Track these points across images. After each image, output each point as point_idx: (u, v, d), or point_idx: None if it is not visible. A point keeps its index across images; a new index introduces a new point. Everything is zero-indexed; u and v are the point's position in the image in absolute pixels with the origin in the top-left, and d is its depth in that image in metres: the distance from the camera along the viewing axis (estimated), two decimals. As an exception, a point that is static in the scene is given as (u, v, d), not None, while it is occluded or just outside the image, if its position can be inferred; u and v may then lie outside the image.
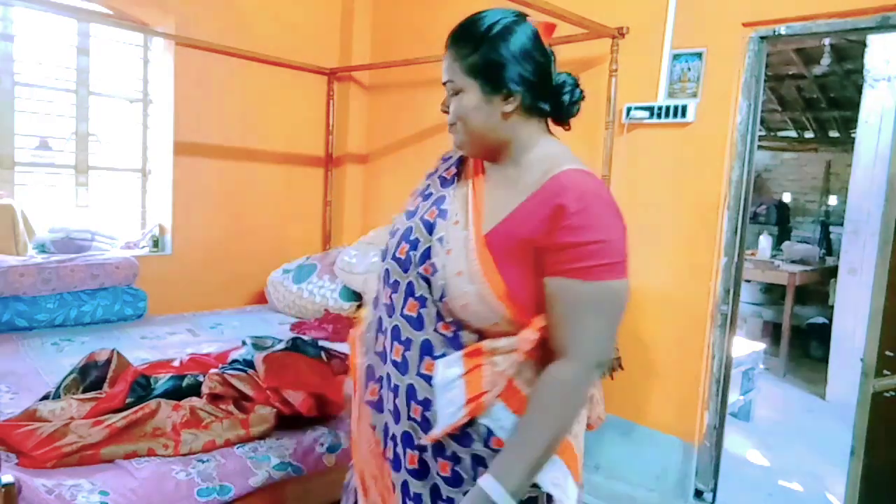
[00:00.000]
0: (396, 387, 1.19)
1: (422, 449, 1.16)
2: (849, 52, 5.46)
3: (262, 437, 1.84)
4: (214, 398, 1.90)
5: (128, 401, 1.81)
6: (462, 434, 1.11)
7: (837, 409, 4.05)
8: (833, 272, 4.70)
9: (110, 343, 2.57)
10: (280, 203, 3.99)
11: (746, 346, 3.77)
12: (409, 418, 1.17)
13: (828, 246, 6.67)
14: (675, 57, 2.70)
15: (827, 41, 4.93)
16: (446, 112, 1.19)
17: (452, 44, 1.17)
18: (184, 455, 1.70)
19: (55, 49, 3.29)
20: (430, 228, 1.18)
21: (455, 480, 1.14)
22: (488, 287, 1.07)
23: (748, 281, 5.34)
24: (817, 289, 5.87)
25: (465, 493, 1.10)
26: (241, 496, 1.69)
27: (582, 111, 1.28)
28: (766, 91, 6.65)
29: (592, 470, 2.96)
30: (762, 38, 2.51)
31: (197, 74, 3.51)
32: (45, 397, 1.87)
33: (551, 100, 1.19)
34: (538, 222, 1.07)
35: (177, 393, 1.91)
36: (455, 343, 1.13)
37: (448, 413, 1.10)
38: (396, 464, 1.19)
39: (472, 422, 1.10)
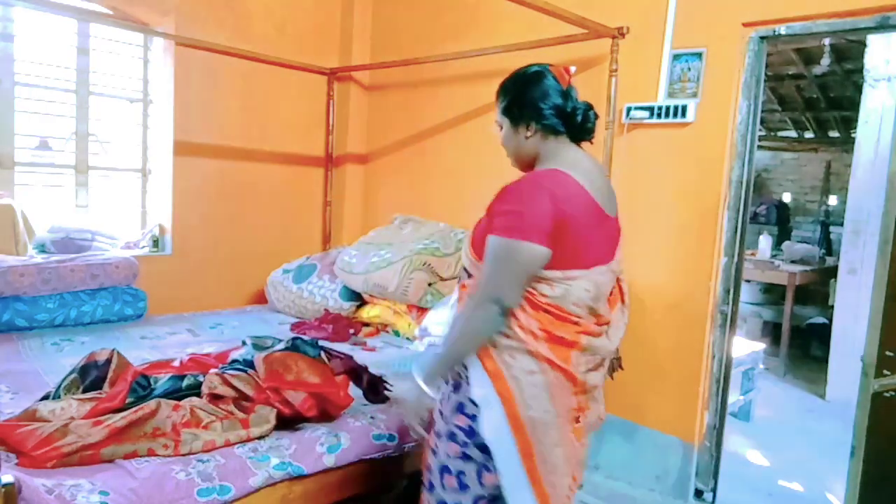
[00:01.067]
0: None
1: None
2: (849, 52, 5.46)
3: (262, 437, 1.84)
4: (214, 398, 1.90)
5: (128, 401, 1.81)
6: None
7: (837, 409, 4.05)
8: (833, 272, 4.70)
9: (110, 343, 2.57)
10: (280, 203, 3.99)
11: (746, 346, 3.77)
12: None
13: (828, 246, 6.67)
14: (675, 57, 2.70)
15: (827, 41, 4.93)
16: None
17: (496, 93, 1.69)
18: (184, 455, 1.69)
19: (55, 49, 3.29)
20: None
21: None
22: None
23: (748, 281, 5.34)
24: (817, 289, 5.87)
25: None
26: (241, 496, 1.68)
27: None
28: (766, 91, 6.64)
29: (592, 470, 2.96)
30: (762, 38, 2.51)
31: (197, 74, 3.51)
32: (45, 397, 1.87)
33: (566, 123, 1.59)
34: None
35: (177, 393, 1.91)
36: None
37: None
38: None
39: None
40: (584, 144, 1.65)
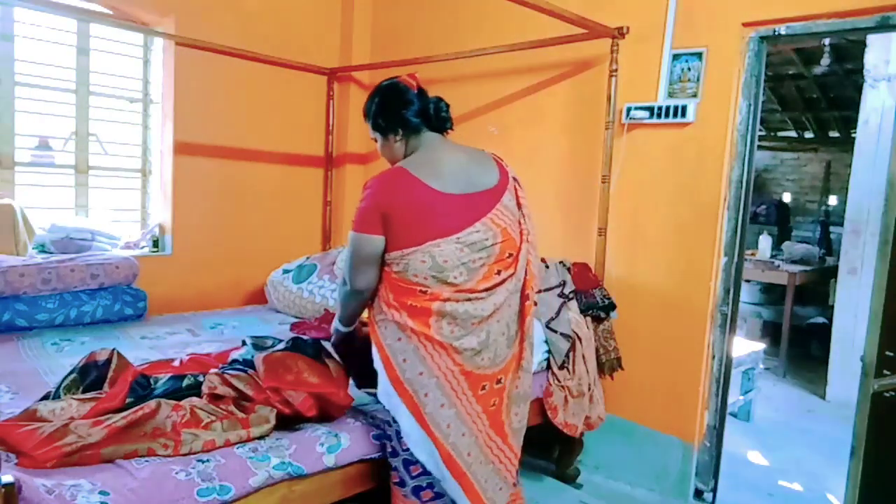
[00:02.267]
0: None
1: None
2: (849, 52, 5.46)
3: (262, 437, 1.84)
4: (214, 398, 1.90)
5: (128, 401, 1.81)
6: None
7: (837, 409, 4.05)
8: (833, 272, 4.70)
9: (110, 343, 2.56)
10: (280, 203, 3.99)
11: (746, 346, 3.77)
12: None
13: (828, 246, 6.66)
14: (675, 57, 2.70)
15: (827, 41, 4.93)
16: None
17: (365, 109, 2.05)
18: (184, 455, 1.69)
19: (55, 49, 3.29)
20: None
21: None
22: None
23: (748, 281, 5.34)
24: (817, 289, 5.87)
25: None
26: (241, 496, 1.68)
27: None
28: (766, 91, 6.64)
29: (592, 470, 2.96)
30: (762, 38, 2.51)
31: (197, 74, 3.51)
32: (45, 397, 1.87)
33: (425, 120, 1.90)
34: None
35: (177, 393, 1.91)
36: None
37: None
38: None
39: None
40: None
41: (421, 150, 1.87)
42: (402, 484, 1.84)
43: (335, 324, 2.04)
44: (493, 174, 1.87)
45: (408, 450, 1.79)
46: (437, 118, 1.91)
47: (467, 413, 1.77)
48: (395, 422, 1.81)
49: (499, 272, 1.80)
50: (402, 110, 1.88)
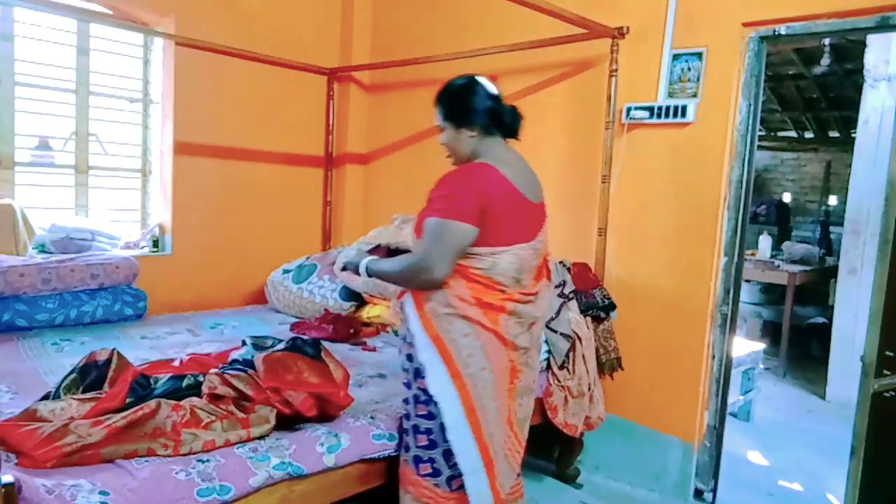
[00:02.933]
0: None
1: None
2: (849, 52, 5.46)
3: (262, 437, 1.84)
4: (214, 398, 1.90)
5: (128, 401, 1.80)
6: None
7: (837, 409, 4.05)
8: (833, 272, 4.70)
9: (110, 343, 2.56)
10: (280, 203, 3.99)
11: (746, 346, 3.77)
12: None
13: (828, 246, 6.66)
14: (675, 57, 2.70)
15: (827, 41, 4.93)
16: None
17: (437, 99, 1.96)
18: (184, 455, 1.69)
19: (55, 49, 3.29)
20: None
21: (407, 386, 1.93)
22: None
23: (748, 281, 5.34)
24: (817, 289, 5.87)
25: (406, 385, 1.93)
26: (241, 496, 1.68)
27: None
28: (766, 91, 6.65)
29: (592, 470, 2.96)
30: (762, 38, 2.51)
31: (197, 74, 3.51)
32: (45, 397, 1.87)
33: (498, 124, 1.89)
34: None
35: (177, 393, 1.91)
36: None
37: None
38: None
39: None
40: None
41: (494, 152, 1.86)
42: (435, 474, 1.86)
43: (371, 264, 1.94)
44: (540, 185, 1.97)
45: (447, 441, 1.80)
46: (511, 125, 1.92)
47: (502, 406, 1.86)
48: (437, 416, 1.81)
49: (541, 277, 1.95)
50: (485, 107, 1.86)
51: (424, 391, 1.81)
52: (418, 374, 1.83)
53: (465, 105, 1.87)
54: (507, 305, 1.80)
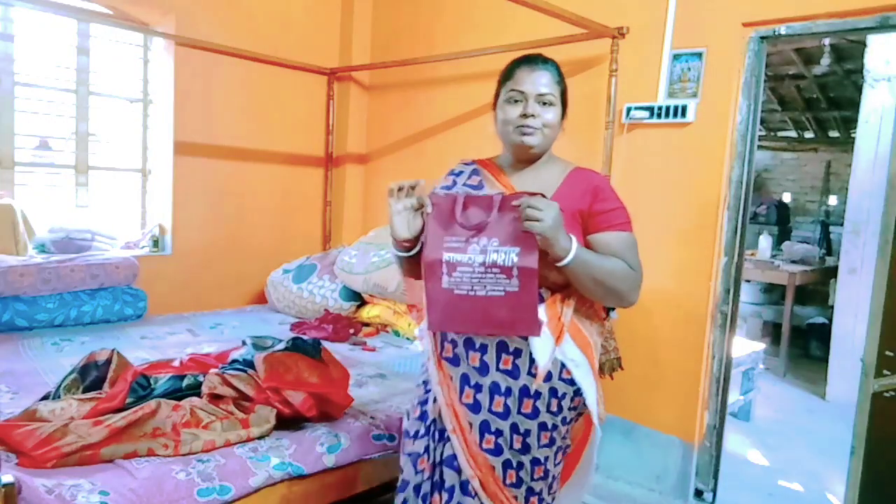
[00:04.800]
0: (485, 345, 1.48)
1: (507, 394, 1.48)
2: (849, 52, 5.46)
3: (262, 437, 1.84)
4: (214, 398, 1.90)
5: (128, 401, 1.81)
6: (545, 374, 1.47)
7: (837, 409, 4.05)
8: (833, 272, 4.70)
9: (110, 343, 2.57)
10: (280, 203, 3.99)
11: (746, 346, 3.76)
12: (499, 370, 1.48)
13: (828, 246, 6.66)
14: (675, 57, 2.70)
15: (827, 41, 4.93)
16: (527, 116, 1.51)
17: (554, 68, 1.57)
18: (184, 455, 1.70)
19: (55, 49, 3.29)
20: None
21: (534, 413, 1.48)
22: None
23: (748, 281, 5.34)
24: (817, 289, 5.87)
25: (540, 424, 1.48)
26: (241, 496, 1.68)
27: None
28: (766, 91, 6.65)
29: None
30: (762, 38, 2.51)
31: (197, 74, 3.51)
32: (45, 397, 1.87)
33: None
34: (579, 198, 1.50)
35: (177, 393, 1.91)
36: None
37: (545, 353, 1.45)
38: (476, 407, 1.50)
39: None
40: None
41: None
42: (546, 476, 1.56)
43: (583, 251, 1.43)
44: None
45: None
46: None
47: None
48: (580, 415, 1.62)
49: None
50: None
51: (562, 408, 1.53)
52: (555, 394, 1.51)
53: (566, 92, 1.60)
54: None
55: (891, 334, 1.93)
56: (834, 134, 7.69)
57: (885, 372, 1.95)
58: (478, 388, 1.49)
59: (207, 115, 3.60)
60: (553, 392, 1.49)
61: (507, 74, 1.57)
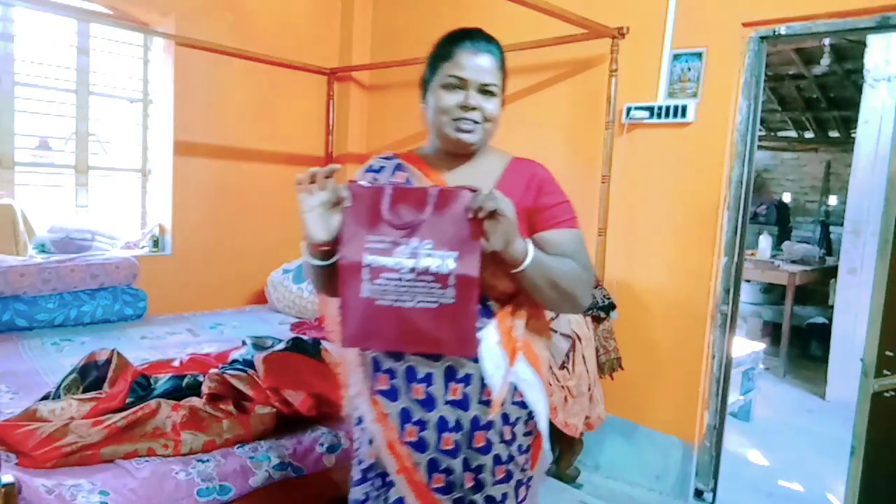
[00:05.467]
0: (430, 374, 1.25)
1: (457, 429, 1.26)
2: (849, 52, 5.46)
3: (262, 437, 1.84)
4: (214, 398, 1.90)
5: (128, 401, 1.81)
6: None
7: (837, 409, 4.05)
8: (833, 272, 4.70)
9: (110, 343, 2.57)
10: (280, 203, 3.98)
11: (746, 346, 3.77)
12: (448, 402, 1.25)
13: (828, 246, 6.66)
14: (675, 57, 2.70)
15: (827, 41, 4.93)
16: (468, 109, 1.28)
17: (498, 52, 1.34)
18: (184, 455, 1.70)
19: (55, 49, 3.29)
20: None
21: (487, 447, 1.27)
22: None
23: (748, 281, 5.34)
24: (817, 289, 5.87)
25: (494, 457, 1.27)
26: (241, 496, 1.69)
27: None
28: (766, 91, 6.65)
29: (592, 470, 2.96)
30: (762, 38, 2.51)
31: (197, 74, 3.51)
32: (45, 397, 1.87)
33: None
34: (523, 193, 1.30)
35: (177, 393, 1.91)
36: (485, 313, 1.27)
37: (499, 377, 1.25)
38: (422, 446, 1.27)
39: None
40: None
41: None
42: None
43: (540, 254, 1.23)
44: None
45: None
46: None
47: None
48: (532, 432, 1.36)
49: None
50: None
51: (521, 438, 1.33)
52: (506, 420, 1.31)
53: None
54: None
55: (891, 334, 1.93)
56: (834, 134, 7.69)
57: (885, 372, 1.95)
58: (422, 425, 1.26)
59: (207, 115, 3.60)
60: (505, 419, 1.29)
61: (444, 54, 1.32)
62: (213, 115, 3.62)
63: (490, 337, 1.25)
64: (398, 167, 1.39)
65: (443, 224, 1.15)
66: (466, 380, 1.26)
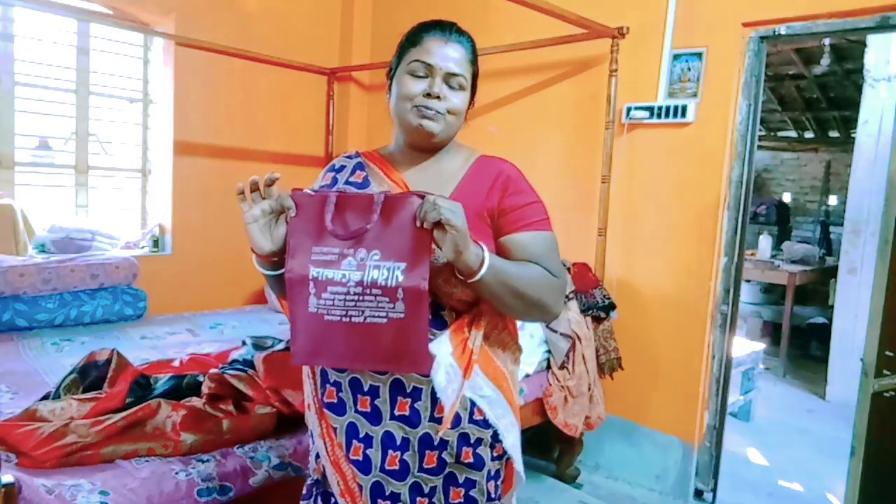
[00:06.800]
0: (376, 387, 1.18)
1: (404, 447, 1.19)
2: (849, 52, 5.46)
3: (262, 437, 1.84)
4: (214, 398, 1.90)
5: (128, 401, 1.81)
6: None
7: (837, 409, 4.05)
8: (833, 272, 4.70)
9: (110, 343, 2.57)
10: (280, 203, 3.98)
11: (746, 346, 3.77)
12: (394, 417, 1.18)
13: (828, 246, 6.66)
14: (675, 57, 2.70)
15: (827, 41, 4.93)
16: (432, 97, 1.21)
17: (469, 45, 1.29)
18: (184, 455, 1.69)
19: (55, 49, 3.29)
20: None
21: (439, 468, 1.19)
22: None
23: (748, 281, 5.34)
24: (817, 289, 5.87)
25: (445, 477, 1.19)
26: (241, 496, 1.68)
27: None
28: (766, 91, 6.65)
29: (592, 470, 2.96)
30: (762, 38, 2.51)
31: (197, 74, 3.51)
32: (45, 397, 1.87)
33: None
34: (486, 193, 1.21)
35: (177, 393, 1.91)
36: (439, 324, 1.18)
37: (452, 391, 1.15)
38: (366, 466, 1.20)
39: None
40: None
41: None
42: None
43: (496, 260, 1.13)
44: None
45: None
46: None
47: None
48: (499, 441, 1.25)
49: None
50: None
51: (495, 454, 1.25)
52: (464, 440, 1.21)
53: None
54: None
55: (891, 334, 1.93)
56: (834, 134, 7.69)
57: (885, 372, 1.95)
58: (367, 441, 1.19)
59: (207, 114, 3.60)
60: (464, 439, 1.19)
61: (413, 40, 1.29)
62: (213, 115, 3.62)
63: (443, 348, 1.15)
64: (358, 166, 1.34)
65: (390, 233, 1.07)
66: (415, 394, 1.17)
